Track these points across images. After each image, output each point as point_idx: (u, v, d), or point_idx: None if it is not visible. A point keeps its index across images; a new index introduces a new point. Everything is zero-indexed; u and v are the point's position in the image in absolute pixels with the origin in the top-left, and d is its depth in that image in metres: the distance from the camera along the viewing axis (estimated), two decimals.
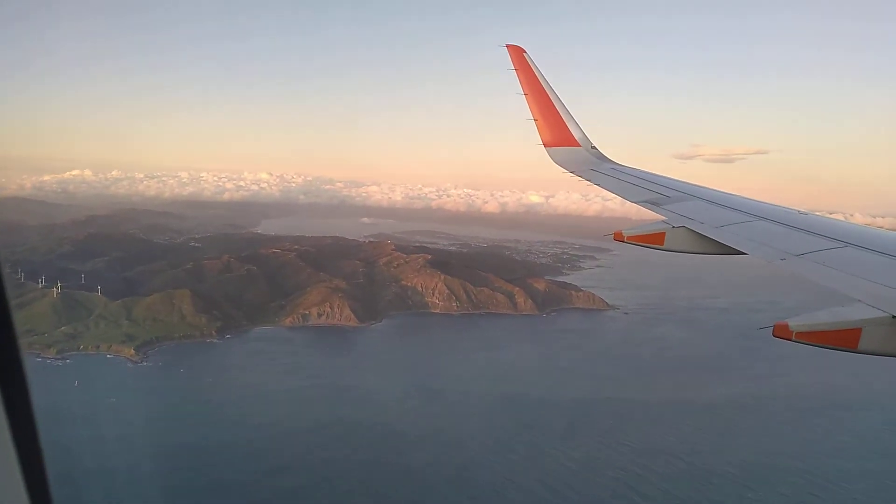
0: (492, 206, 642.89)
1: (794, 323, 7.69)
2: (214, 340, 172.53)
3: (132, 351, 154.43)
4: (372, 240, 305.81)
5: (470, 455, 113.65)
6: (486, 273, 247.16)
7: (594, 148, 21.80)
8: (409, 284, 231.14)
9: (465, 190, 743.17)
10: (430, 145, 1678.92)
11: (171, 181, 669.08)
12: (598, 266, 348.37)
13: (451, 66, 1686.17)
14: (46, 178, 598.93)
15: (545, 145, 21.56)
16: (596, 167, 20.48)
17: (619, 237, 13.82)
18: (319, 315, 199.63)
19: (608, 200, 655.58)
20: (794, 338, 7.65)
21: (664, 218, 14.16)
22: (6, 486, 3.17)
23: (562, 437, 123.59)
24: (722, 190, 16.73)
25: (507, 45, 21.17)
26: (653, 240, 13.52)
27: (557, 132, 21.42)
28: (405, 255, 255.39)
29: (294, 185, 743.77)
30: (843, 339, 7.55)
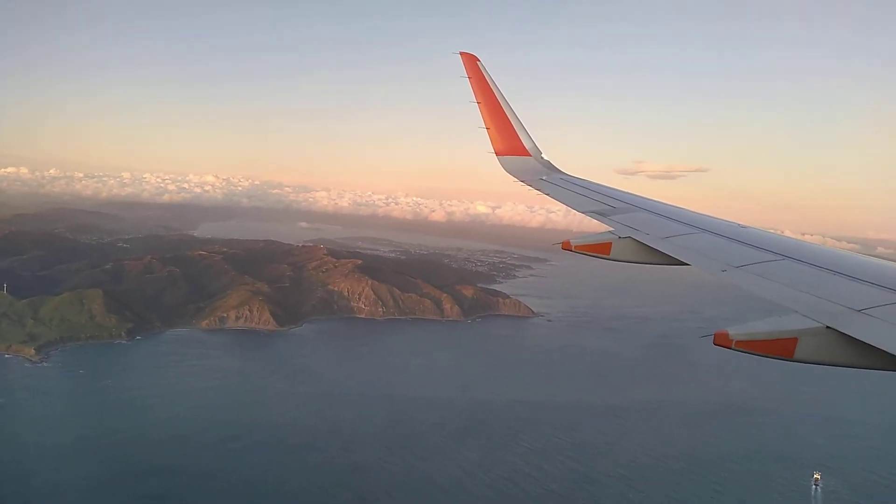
0: (439, 215, 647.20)
1: (734, 332, 7.60)
2: (123, 342, 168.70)
3: (33, 351, 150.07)
4: (306, 244, 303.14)
5: (363, 456, 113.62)
6: (416, 279, 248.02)
7: (544, 158, 21.83)
8: (336, 289, 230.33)
9: (414, 198, 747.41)
10: (383, 153, 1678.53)
11: (112, 181, 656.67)
12: (532, 275, 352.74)
13: (410, 71, 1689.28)
14: None
15: (497, 154, 21.43)
16: (546, 177, 20.42)
17: (566, 246, 13.61)
18: (237, 318, 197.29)
19: (552, 212, 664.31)
20: (733, 346, 7.57)
21: (611, 228, 14.13)
22: None
23: (458, 438, 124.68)
24: (667, 203, 16.87)
25: (461, 53, 21.21)
26: (600, 249, 13.36)
27: (509, 141, 21.37)
28: (335, 260, 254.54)
29: (240, 188, 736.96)
30: (780, 348, 7.51)
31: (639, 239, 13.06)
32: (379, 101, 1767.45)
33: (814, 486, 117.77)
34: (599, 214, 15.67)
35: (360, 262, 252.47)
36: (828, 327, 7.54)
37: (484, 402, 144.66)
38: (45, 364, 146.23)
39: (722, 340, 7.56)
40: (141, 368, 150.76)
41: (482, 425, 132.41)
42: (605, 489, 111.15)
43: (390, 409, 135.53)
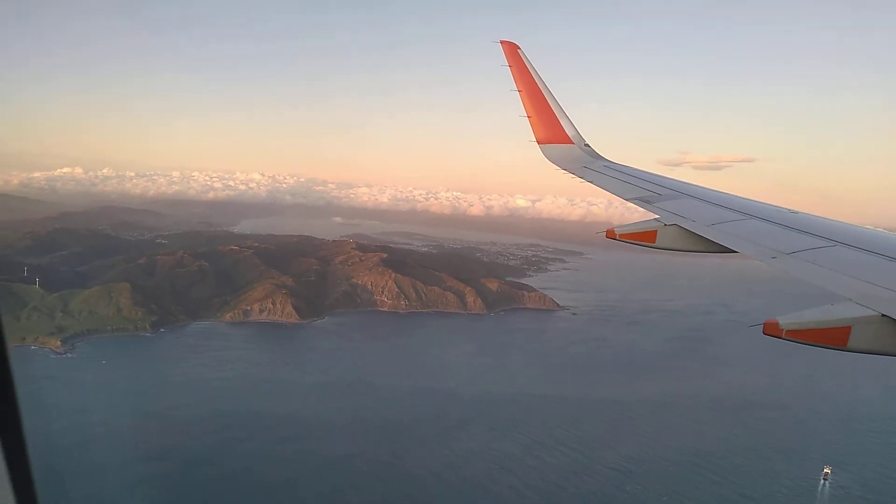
0: (477, 210, 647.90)
1: (785, 321, 7.50)
2: (147, 334, 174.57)
3: (59, 343, 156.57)
4: (338, 239, 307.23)
5: (351, 446, 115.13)
6: (441, 273, 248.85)
7: (587, 145, 21.66)
8: (360, 283, 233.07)
9: (454, 193, 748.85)
10: (425, 148, 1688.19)
11: (162, 180, 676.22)
12: (564, 269, 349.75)
13: (449, 67, 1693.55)
14: (36, 174, 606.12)
15: (538, 142, 21.32)
16: (588, 164, 20.24)
17: (611, 235, 13.58)
18: (261, 311, 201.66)
19: (593, 205, 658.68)
20: (784, 336, 7.48)
21: (656, 216, 13.97)
22: None
23: (456, 429, 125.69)
24: (715, 188, 16.61)
25: (502, 41, 21.16)
26: (644, 237, 13.30)
27: (550, 129, 21.25)
28: (362, 254, 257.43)
29: (285, 185, 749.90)
30: (833, 338, 7.40)
31: (685, 226, 12.94)
32: (422, 98, 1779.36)
33: (822, 481, 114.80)
34: (644, 202, 15.57)
35: (385, 255, 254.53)
36: (883, 315, 7.35)
37: (491, 393, 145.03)
38: (69, 355, 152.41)
39: (772, 330, 7.51)
40: (160, 359, 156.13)
41: (484, 416, 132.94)
42: (603, 481, 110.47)
43: (393, 400, 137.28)
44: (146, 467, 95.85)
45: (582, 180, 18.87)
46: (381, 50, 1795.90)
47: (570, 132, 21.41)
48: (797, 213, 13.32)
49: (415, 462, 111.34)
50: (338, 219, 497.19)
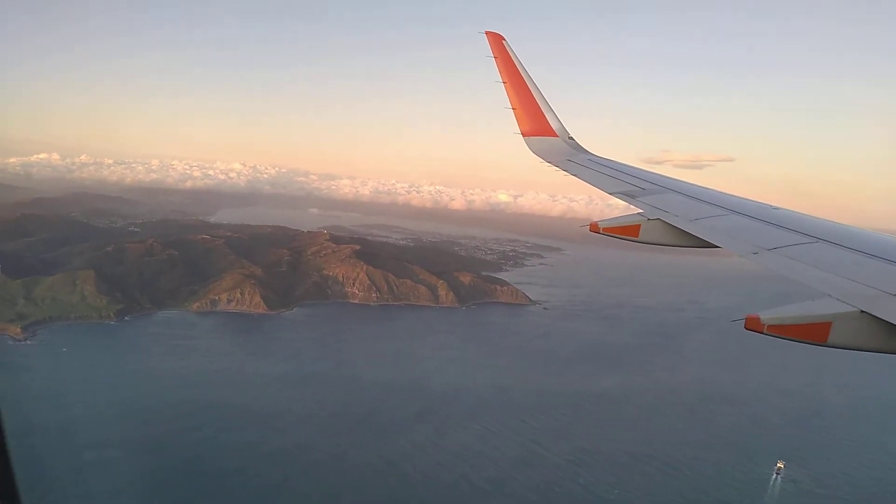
0: (459, 204, 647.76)
1: (766, 316, 7.53)
2: (112, 322, 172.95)
3: (18, 329, 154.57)
4: (312, 230, 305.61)
5: (296, 437, 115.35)
6: (413, 266, 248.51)
7: (571, 139, 21.48)
8: (331, 274, 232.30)
9: (437, 187, 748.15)
10: (409, 141, 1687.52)
11: (140, 168, 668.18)
12: (541, 264, 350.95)
13: (435, 59, 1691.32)
14: (12, 160, 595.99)
15: (523, 135, 21.14)
16: (572, 158, 20.05)
17: (594, 229, 13.50)
18: (229, 301, 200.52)
19: (574, 201, 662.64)
20: (765, 330, 7.52)
21: (640, 210, 13.94)
22: None
23: (413, 420, 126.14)
24: (698, 184, 16.56)
25: (487, 32, 20.92)
26: (628, 231, 13.25)
27: (535, 122, 21.10)
28: (335, 246, 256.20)
29: (265, 176, 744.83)
30: (813, 333, 7.46)
31: (668, 221, 12.94)
32: (406, 89, 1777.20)
33: (774, 476, 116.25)
34: (628, 196, 15.55)
35: (358, 247, 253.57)
36: (862, 311, 7.40)
37: (453, 385, 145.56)
38: (28, 342, 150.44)
39: (753, 325, 7.48)
40: (122, 348, 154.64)
41: (442, 407, 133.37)
42: (557, 472, 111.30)
43: (352, 392, 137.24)
44: (91, 454, 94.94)
45: (566, 173, 18.70)
46: (366, 40, 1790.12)
47: (554, 125, 21.32)
48: (779, 209, 13.31)
49: (368, 453, 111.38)
50: (314, 210, 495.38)
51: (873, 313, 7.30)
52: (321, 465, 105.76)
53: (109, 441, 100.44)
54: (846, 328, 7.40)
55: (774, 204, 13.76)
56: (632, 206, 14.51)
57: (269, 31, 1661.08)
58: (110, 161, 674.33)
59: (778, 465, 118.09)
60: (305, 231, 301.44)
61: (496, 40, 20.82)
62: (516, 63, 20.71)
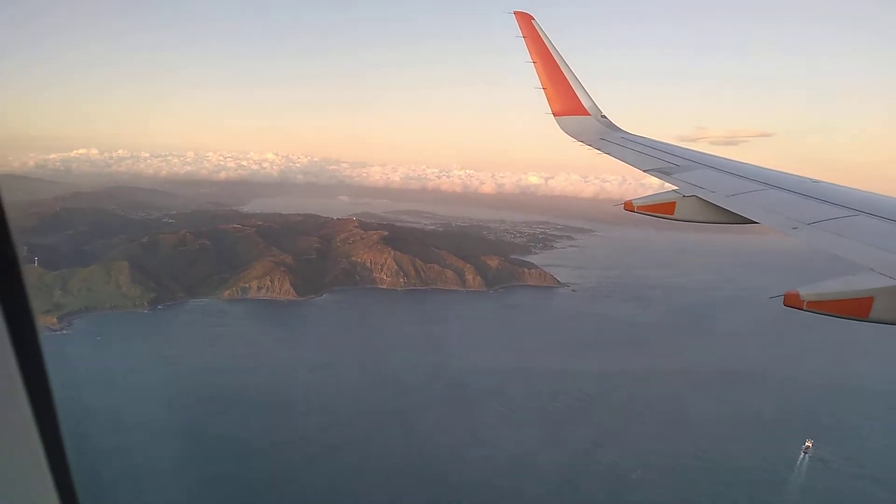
0: (488, 187, 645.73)
1: (805, 292, 7.41)
2: (145, 311, 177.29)
3: (54, 320, 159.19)
4: (341, 217, 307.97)
5: (332, 416, 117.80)
6: (441, 250, 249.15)
7: (604, 117, 21.32)
8: (359, 260, 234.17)
9: (466, 171, 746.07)
10: (440, 126, 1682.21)
11: (175, 160, 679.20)
12: (572, 246, 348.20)
13: (464, 41, 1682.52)
14: (52, 156, 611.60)
15: (554, 115, 20.99)
16: (606, 136, 19.94)
17: (629, 207, 13.48)
18: (259, 288, 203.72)
19: (606, 182, 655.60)
20: (804, 307, 7.39)
21: (675, 187, 13.80)
22: (35, 483, 3.17)
23: (433, 402, 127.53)
24: (734, 159, 16.35)
25: (516, 12, 20.81)
26: (663, 209, 13.15)
27: (566, 101, 20.90)
28: (363, 232, 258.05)
29: (297, 165, 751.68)
30: (855, 308, 7.30)
31: (704, 197, 12.79)
32: (437, 74, 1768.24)
33: (802, 455, 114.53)
34: (662, 173, 15.34)
35: (385, 233, 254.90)
36: None
37: (474, 367, 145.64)
38: (63, 332, 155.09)
39: (792, 301, 7.39)
40: (155, 336, 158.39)
41: (464, 389, 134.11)
42: (577, 452, 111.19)
43: (376, 374, 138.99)
44: (119, 438, 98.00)
45: (599, 152, 18.57)
46: (396, 27, 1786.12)
47: (586, 104, 21.09)
48: (819, 182, 13.03)
49: (389, 435, 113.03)
50: (344, 197, 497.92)
51: None
52: (343, 448, 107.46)
53: (137, 425, 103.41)
54: (889, 303, 7.20)
55: (815, 178, 13.50)
56: (667, 184, 14.38)
57: (301, 22, 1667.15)
58: (146, 154, 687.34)
59: (806, 444, 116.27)
60: (335, 218, 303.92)
61: (525, 20, 20.78)
62: (546, 42, 20.61)
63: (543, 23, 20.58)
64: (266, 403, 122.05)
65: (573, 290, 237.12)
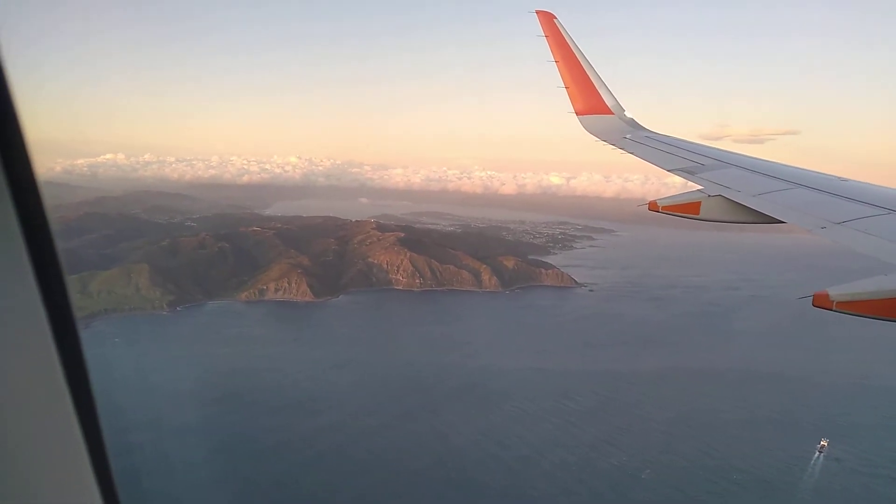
0: (509, 188, 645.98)
1: (835, 292, 7.29)
2: (164, 313, 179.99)
3: None
4: (360, 220, 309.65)
5: (343, 414, 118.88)
6: (457, 251, 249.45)
7: (627, 115, 21.22)
8: (376, 262, 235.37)
9: (488, 172, 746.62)
10: (462, 127, 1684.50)
11: (200, 164, 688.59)
12: (591, 246, 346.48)
13: (486, 40, 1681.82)
14: (80, 161, 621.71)
15: (577, 114, 20.89)
16: (629, 135, 19.83)
17: (653, 207, 13.35)
18: (276, 290, 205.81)
19: (628, 181, 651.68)
20: (834, 307, 7.26)
21: (700, 187, 13.68)
22: (78, 481, 3.26)
23: (442, 401, 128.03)
24: (760, 158, 16.21)
25: (537, 11, 20.78)
26: (688, 209, 12.98)
27: (589, 100, 20.78)
28: (381, 234, 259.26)
29: (320, 168, 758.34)
30: (887, 309, 7.13)
31: (730, 197, 12.64)
32: (460, 77, 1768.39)
33: (817, 454, 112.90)
34: (687, 172, 15.20)
35: (402, 235, 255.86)
36: None
37: (487, 367, 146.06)
38: (82, 334, 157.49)
39: (822, 302, 7.25)
40: (172, 337, 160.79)
41: (476, 388, 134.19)
42: (587, 452, 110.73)
43: (389, 374, 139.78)
44: (131, 437, 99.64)
45: (623, 151, 18.46)
46: (417, 29, 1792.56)
47: (609, 102, 20.94)
48: (848, 181, 12.82)
49: (399, 433, 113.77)
50: (363, 200, 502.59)
51: None
52: (352, 445, 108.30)
53: (152, 424, 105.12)
54: None
55: (843, 176, 13.31)
56: (691, 184, 14.25)
57: (326, 29, 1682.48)
58: (172, 159, 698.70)
59: (821, 443, 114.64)
60: (353, 220, 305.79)
61: (547, 19, 20.74)
62: (568, 41, 20.54)
63: (565, 21, 20.71)
64: (279, 402, 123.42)
65: (590, 291, 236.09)
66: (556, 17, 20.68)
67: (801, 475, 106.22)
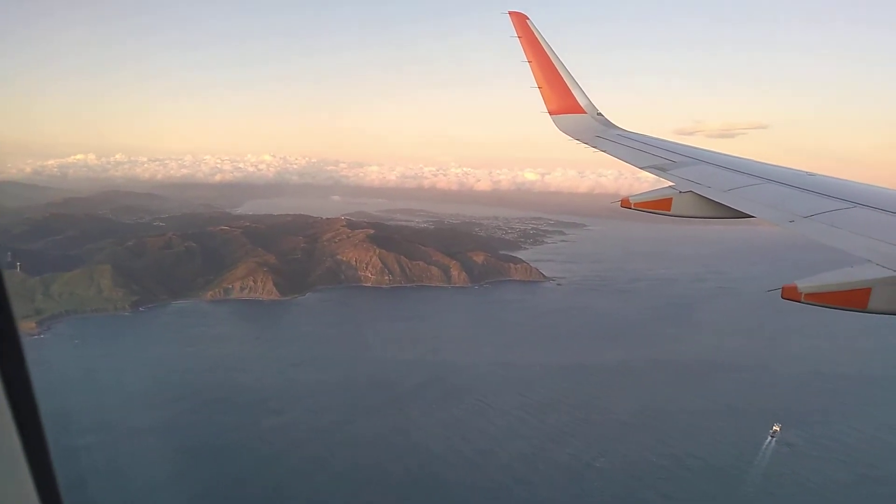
0: (484, 185, 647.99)
1: (803, 284, 7.49)
2: (126, 313, 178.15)
3: (33, 324, 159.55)
4: (330, 217, 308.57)
5: (307, 411, 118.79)
6: (427, 247, 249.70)
7: (600, 115, 21.45)
8: (344, 259, 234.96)
9: (463, 169, 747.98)
10: (438, 125, 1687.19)
11: (173, 164, 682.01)
12: (562, 241, 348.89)
13: (460, 42, 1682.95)
14: (50, 162, 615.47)
15: (550, 113, 21.16)
16: (602, 134, 20.09)
17: (626, 204, 13.51)
18: (242, 289, 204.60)
19: (602, 177, 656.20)
20: (802, 299, 7.47)
21: (671, 183, 13.89)
22: (15, 487, 3.15)
23: (404, 397, 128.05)
24: (730, 154, 16.39)
25: (510, 13, 20.97)
26: (660, 206, 13.23)
27: (562, 99, 21.08)
28: (350, 231, 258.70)
29: (295, 166, 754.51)
30: (852, 300, 7.37)
31: (701, 193, 12.87)
32: (434, 74, 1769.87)
33: (769, 439, 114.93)
34: (659, 169, 15.41)
35: (372, 232, 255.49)
36: None
37: (452, 362, 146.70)
38: (42, 336, 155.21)
39: (790, 294, 7.48)
40: (134, 338, 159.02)
41: (440, 383, 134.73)
42: (546, 442, 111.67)
43: (352, 371, 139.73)
44: (85, 439, 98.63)
45: (595, 150, 18.73)
46: (391, 28, 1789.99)
47: (582, 102, 21.31)
48: (815, 175, 13.11)
49: (361, 427, 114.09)
50: (336, 197, 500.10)
51: None
52: (313, 441, 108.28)
53: (105, 425, 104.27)
54: (886, 293, 7.26)
55: (812, 169, 13.58)
56: (662, 180, 14.48)
57: (300, 24, 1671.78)
58: (144, 159, 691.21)
59: (774, 428, 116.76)
60: (324, 218, 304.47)
61: (520, 20, 20.97)
62: (541, 42, 20.76)
63: (538, 21, 20.94)
64: (239, 401, 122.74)
65: (558, 285, 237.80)
66: (528, 19, 20.93)
67: (752, 460, 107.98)
